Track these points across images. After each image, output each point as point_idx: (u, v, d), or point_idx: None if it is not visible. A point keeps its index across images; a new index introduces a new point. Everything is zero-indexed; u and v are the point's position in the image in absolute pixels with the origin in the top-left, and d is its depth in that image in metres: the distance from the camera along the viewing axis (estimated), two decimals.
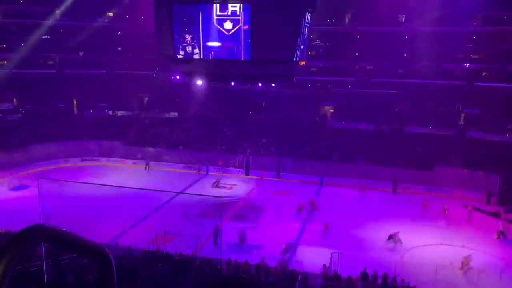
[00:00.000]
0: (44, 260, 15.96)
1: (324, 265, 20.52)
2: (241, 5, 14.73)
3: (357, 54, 48.31)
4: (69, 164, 41.33)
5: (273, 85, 27.31)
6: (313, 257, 22.10)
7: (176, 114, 49.03)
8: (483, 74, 45.04)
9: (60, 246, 1.62)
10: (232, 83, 22.53)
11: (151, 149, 43.38)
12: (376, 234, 26.78)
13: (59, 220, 24.05)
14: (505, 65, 42.98)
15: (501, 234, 27.07)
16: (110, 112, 49.34)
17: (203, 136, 44.30)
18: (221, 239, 20.41)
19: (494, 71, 43.85)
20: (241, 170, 40.49)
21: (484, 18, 43.95)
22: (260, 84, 21.43)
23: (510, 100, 39.90)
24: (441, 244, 25.40)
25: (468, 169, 35.62)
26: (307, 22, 16.60)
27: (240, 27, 15.06)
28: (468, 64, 45.96)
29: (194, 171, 40.94)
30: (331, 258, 20.34)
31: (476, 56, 45.41)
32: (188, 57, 16.12)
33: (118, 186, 28.51)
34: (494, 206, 32.50)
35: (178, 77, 18.85)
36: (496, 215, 30.51)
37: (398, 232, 25.59)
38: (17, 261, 1.41)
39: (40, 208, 18.63)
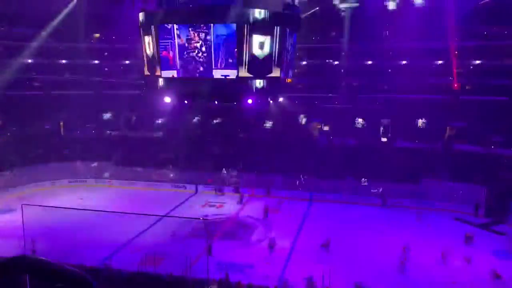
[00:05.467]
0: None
1: (309, 279, 20.50)
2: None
3: (342, 70, 48.87)
4: (56, 186, 40.81)
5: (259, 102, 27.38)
6: (304, 274, 21.98)
7: (163, 133, 48.83)
8: (467, 87, 45.75)
9: (43, 278, 1.64)
10: (216, 102, 22.56)
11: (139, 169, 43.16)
12: (368, 248, 26.77)
13: (46, 243, 23.69)
14: (490, 79, 43.58)
15: (468, 239, 27.53)
16: (97, 133, 48.99)
17: (191, 155, 44.08)
18: (209, 256, 20.20)
19: (479, 85, 44.50)
20: (231, 187, 40.31)
21: (467, 33, 44.63)
22: (250, 102, 21.47)
23: (495, 113, 40.49)
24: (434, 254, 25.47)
25: (455, 182, 35.98)
26: (292, 41, 16.86)
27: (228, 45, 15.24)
28: (452, 78, 46.61)
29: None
30: (322, 273, 20.23)
31: (460, 70, 46.06)
32: (171, 75, 16.20)
33: (103, 211, 28.33)
34: (481, 218, 32.80)
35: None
36: (483, 226, 30.82)
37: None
38: None
39: (24, 234, 18.40)
